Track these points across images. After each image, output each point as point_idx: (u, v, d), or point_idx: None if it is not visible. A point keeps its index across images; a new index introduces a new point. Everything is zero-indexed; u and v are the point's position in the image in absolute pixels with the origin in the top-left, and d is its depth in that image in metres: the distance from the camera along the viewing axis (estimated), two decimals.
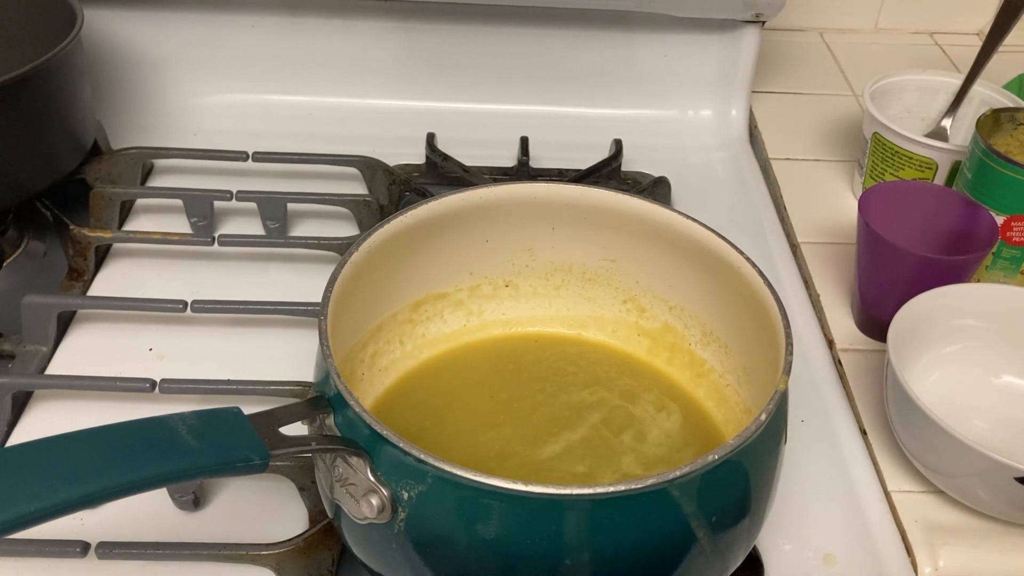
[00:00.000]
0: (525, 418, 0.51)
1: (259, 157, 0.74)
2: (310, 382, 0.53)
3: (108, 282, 0.66)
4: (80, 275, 0.65)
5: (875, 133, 0.71)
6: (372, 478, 0.38)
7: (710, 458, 0.37)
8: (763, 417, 0.39)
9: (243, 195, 0.69)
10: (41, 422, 0.56)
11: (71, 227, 0.66)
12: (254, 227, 0.71)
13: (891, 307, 0.55)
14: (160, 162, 0.77)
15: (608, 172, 0.76)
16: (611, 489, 0.36)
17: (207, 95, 0.83)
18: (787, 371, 0.41)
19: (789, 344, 0.42)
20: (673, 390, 0.54)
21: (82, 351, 0.60)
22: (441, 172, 0.77)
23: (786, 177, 0.79)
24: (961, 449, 0.47)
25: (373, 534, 0.40)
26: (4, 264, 0.67)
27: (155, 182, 0.76)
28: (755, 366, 0.49)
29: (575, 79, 0.84)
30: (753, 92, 0.87)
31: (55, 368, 0.59)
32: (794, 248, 0.72)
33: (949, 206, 0.63)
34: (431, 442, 0.49)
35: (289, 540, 0.48)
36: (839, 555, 0.51)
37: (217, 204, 0.70)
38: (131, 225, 0.71)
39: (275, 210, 0.69)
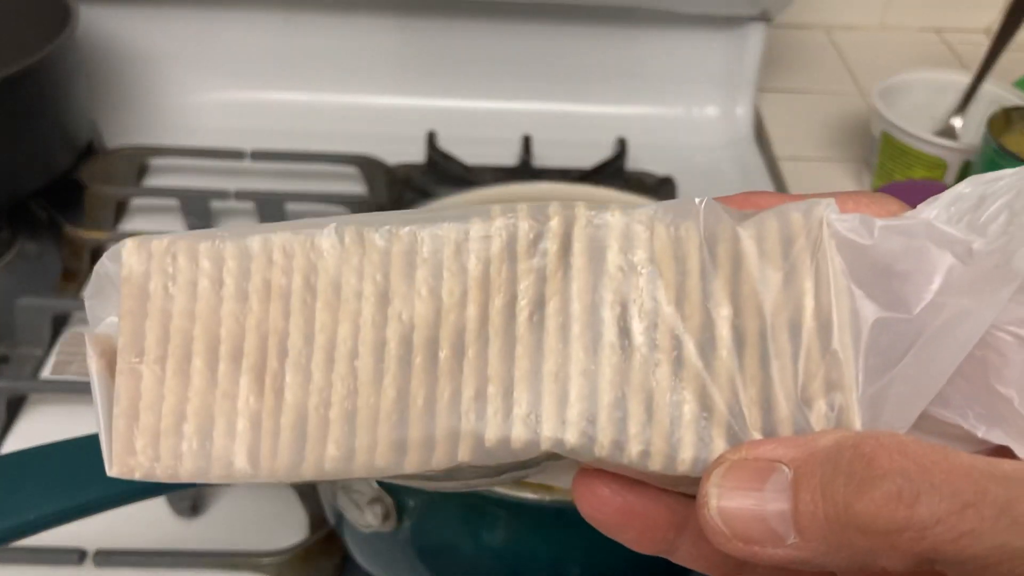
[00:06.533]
0: None
1: (257, 156, 0.73)
2: None
3: None
4: (75, 276, 0.64)
5: (884, 132, 0.70)
6: (376, 486, 0.37)
7: None
8: None
9: (241, 195, 0.68)
10: (35, 427, 0.55)
11: (66, 227, 0.65)
12: None
13: None
14: (156, 161, 0.76)
15: (612, 171, 0.75)
16: None
17: (204, 93, 0.82)
18: None
19: None
20: None
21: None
22: (442, 171, 0.76)
23: (793, 176, 0.78)
24: None
25: (377, 542, 0.39)
26: None
27: (151, 181, 0.75)
28: None
29: (578, 76, 0.84)
30: (759, 90, 0.86)
31: (49, 372, 0.58)
32: None
33: None
34: None
35: (290, 548, 0.47)
36: None
37: (214, 204, 0.69)
38: (127, 225, 0.70)
39: (273, 210, 0.69)
